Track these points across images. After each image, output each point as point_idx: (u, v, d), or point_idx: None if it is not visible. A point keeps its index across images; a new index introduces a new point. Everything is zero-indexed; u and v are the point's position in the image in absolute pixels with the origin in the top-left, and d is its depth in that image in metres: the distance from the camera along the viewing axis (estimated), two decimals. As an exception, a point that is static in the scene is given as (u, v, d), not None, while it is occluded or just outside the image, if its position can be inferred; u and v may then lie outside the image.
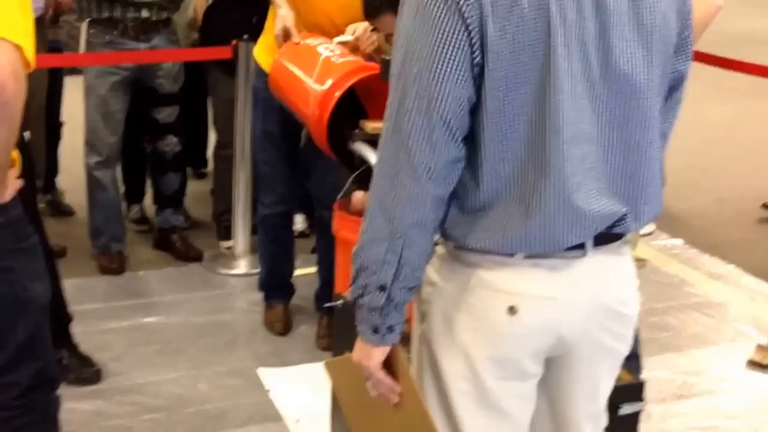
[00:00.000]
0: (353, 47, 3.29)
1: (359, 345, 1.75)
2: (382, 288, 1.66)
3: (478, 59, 1.57)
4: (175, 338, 3.86)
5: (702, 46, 2.86)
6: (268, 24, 3.60)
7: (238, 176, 4.44)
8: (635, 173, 1.74)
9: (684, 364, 3.83)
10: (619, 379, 2.66)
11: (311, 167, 3.76)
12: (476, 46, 1.56)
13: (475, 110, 1.61)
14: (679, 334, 4.10)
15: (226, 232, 4.70)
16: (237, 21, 4.37)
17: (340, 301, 2.96)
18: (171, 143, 4.53)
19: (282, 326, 3.94)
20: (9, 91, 1.81)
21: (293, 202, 3.98)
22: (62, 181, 5.20)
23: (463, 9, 1.54)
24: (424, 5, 1.57)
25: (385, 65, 3.02)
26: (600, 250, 1.74)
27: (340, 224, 3.25)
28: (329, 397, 3.07)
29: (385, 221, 1.63)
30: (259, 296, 4.11)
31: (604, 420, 1.96)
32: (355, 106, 3.29)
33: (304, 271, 4.27)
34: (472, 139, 1.64)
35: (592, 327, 1.78)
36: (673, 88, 1.83)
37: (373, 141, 3.15)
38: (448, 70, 1.56)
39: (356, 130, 3.14)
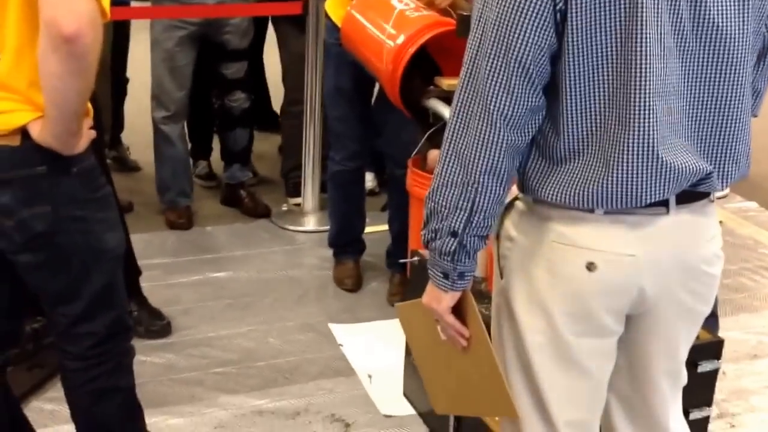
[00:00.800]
0: (428, 1, 3.22)
1: (429, 289, 1.74)
2: (453, 234, 1.64)
3: (561, 5, 1.52)
4: (244, 293, 3.85)
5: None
6: (342, -25, 3.53)
7: (308, 132, 4.40)
8: (724, 131, 1.68)
9: (758, 324, 3.80)
10: (697, 337, 2.62)
11: (383, 124, 3.72)
12: None
13: (556, 58, 1.56)
14: (753, 294, 4.05)
15: (294, 189, 4.68)
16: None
17: (416, 258, 2.92)
18: (240, 99, 4.49)
19: (353, 282, 3.92)
20: (87, 40, 1.80)
21: (365, 158, 3.93)
22: (127, 137, 5.21)
23: None
24: None
25: (462, 21, 2.96)
26: (684, 208, 1.69)
27: (414, 181, 3.22)
28: (402, 352, 3.06)
29: (459, 166, 1.60)
30: (328, 253, 4.09)
31: (684, 378, 1.93)
32: (429, 61, 3.22)
33: (375, 228, 4.24)
34: (553, 89, 1.59)
35: (673, 286, 1.74)
36: (763, 54, 1.77)
37: (447, 98, 3.10)
38: (530, 14, 1.52)
39: (431, 87, 3.09)
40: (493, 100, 1.56)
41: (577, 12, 1.52)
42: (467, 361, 1.80)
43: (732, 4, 1.62)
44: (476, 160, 1.59)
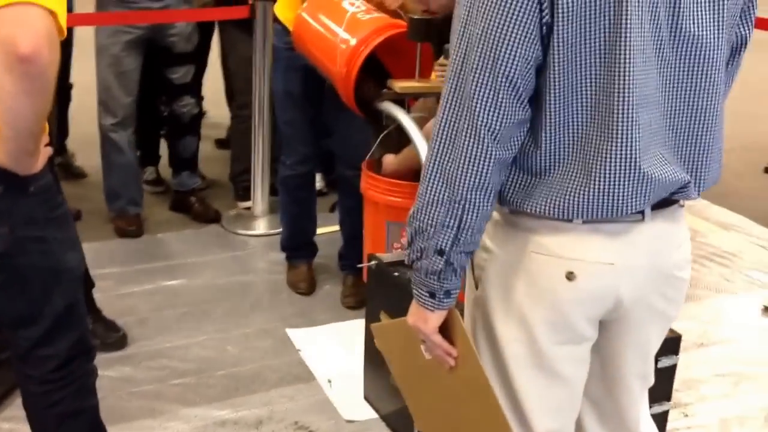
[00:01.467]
0: (378, 3, 3.22)
1: (415, 309, 1.73)
2: (440, 252, 1.63)
3: (547, 18, 1.51)
4: (199, 301, 3.83)
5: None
6: (290, -22, 3.53)
7: (257, 136, 4.39)
8: (700, 139, 1.70)
9: (703, 313, 3.87)
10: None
11: (333, 126, 3.72)
12: (546, 3, 1.50)
13: (540, 70, 1.56)
14: (695, 284, 4.11)
15: (244, 193, 4.67)
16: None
17: (373, 262, 2.93)
18: (188, 104, 4.45)
19: (306, 286, 3.92)
20: (44, 60, 1.75)
21: (315, 162, 3.93)
22: (71, 143, 5.14)
23: None
24: None
25: (413, 24, 2.98)
26: (657, 214, 1.71)
27: (368, 185, 3.22)
28: (361, 355, 3.07)
29: (445, 184, 1.59)
30: (280, 256, 4.08)
31: (652, 379, 1.96)
32: (379, 64, 3.23)
33: (325, 229, 4.25)
34: (535, 101, 1.59)
35: (648, 291, 1.76)
36: (735, 52, 1.79)
37: (401, 101, 3.11)
38: (516, 28, 1.51)
39: (384, 90, 3.09)
40: (481, 114, 1.54)
41: (563, 24, 1.51)
42: (455, 380, 1.78)
43: (708, 14, 1.63)
44: (463, 177, 1.57)
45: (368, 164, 3.31)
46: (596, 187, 1.60)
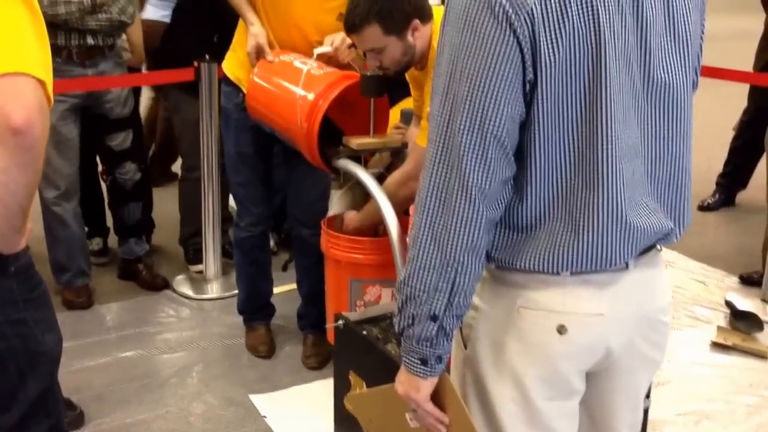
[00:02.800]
0: (328, 58, 3.21)
1: (405, 377, 1.68)
2: (433, 318, 1.59)
3: (530, 75, 1.51)
4: (156, 371, 3.72)
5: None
6: (237, 39, 3.50)
7: (206, 198, 4.32)
8: (678, 184, 1.72)
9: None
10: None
11: (286, 185, 3.69)
12: (528, 62, 1.49)
13: (523, 126, 1.55)
14: (642, 323, 4.13)
15: (195, 256, 4.59)
16: (197, 41, 4.26)
17: (340, 322, 2.89)
18: (130, 170, 4.36)
19: (266, 349, 3.85)
20: (37, 131, 1.68)
21: (269, 222, 3.88)
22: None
23: (515, 24, 1.47)
24: (473, 19, 1.49)
25: (366, 81, 2.97)
26: (639, 261, 1.71)
27: (330, 243, 3.19)
28: (328, 418, 3.01)
29: (437, 248, 1.56)
30: (237, 319, 4.01)
31: (638, 428, 1.93)
32: (329, 123, 3.21)
33: (279, 289, 4.18)
34: (518, 157, 1.58)
35: (635, 339, 1.75)
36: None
37: (357, 157, 3.09)
38: (502, 88, 1.49)
39: (340, 147, 3.07)
40: (471, 175, 1.52)
41: (545, 80, 1.51)
42: None
43: (675, 59, 1.65)
44: (456, 240, 1.55)
45: (328, 223, 3.27)
46: (584, 239, 1.60)
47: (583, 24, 1.51)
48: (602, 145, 1.55)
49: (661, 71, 1.63)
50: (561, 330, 1.65)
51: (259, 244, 3.79)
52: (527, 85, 1.51)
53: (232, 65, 3.50)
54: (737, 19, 12.88)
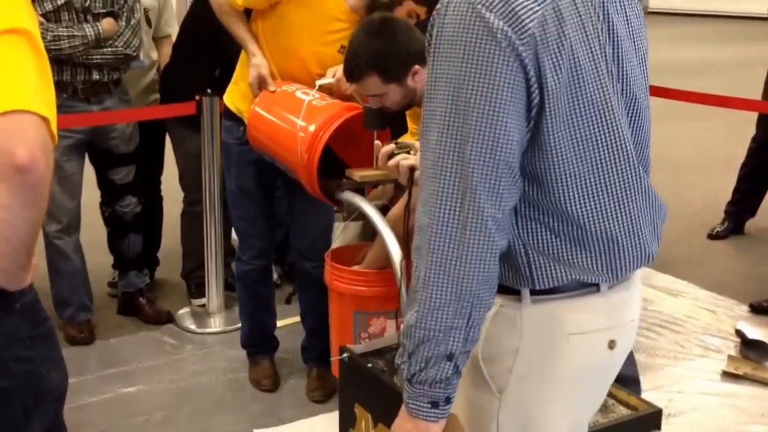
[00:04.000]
0: (329, 89, 3.21)
1: (412, 424, 1.61)
2: (449, 357, 1.55)
3: (536, 99, 1.50)
4: (159, 407, 3.69)
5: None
6: (239, 71, 3.50)
7: (209, 231, 4.30)
8: (654, 196, 1.76)
9: (665, 382, 3.87)
10: (636, 408, 2.63)
11: (289, 219, 3.67)
12: (534, 86, 1.49)
13: (539, 155, 1.55)
14: (653, 351, 4.14)
15: (197, 290, 4.56)
16: (198, 76, 4.27)
17: (345, 355, 2.86)
18: (131, 204, 4.36)
19: (270, 382, 3.82)
20: (41, 169, 1.67)
21: (271, 256, 3.87)
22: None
23: (519, 48, 1.46)
24: (472, 49, 1.47)
25: (368, 114, 2.96)
26: None
27: (334, 276, 3.16)
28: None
29: (451, 284, 1.52)
30: (240, 353, 3.98)
31: None
32: (332, 155, 3.20)
33: (283, 322, 4.17)
34: (538, 183, 1.57)
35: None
36: None
37: (360, 190, 3.08)
38: (511, 114, 1.48)
39: (344, 179, 3.05)
40: (486, 205, 1.49)
41: (552, 103, 1.50)
42: None
43: (639, 74, 1.67)
44: (472, 273, 1.51)
45: (332, 255, 3.25)
46: (620, 250, 1.64)
47: (579, 43, 1.53)
48: (621, 158, 1.61)
49: (633, 86, 1.66)
50: (611, 345, 1.69)
51: (261, 277, 3.77)
52: (533, 110, 1.51)
53: (234, 97, 3.50)
54: (745, 48, 13.01)
